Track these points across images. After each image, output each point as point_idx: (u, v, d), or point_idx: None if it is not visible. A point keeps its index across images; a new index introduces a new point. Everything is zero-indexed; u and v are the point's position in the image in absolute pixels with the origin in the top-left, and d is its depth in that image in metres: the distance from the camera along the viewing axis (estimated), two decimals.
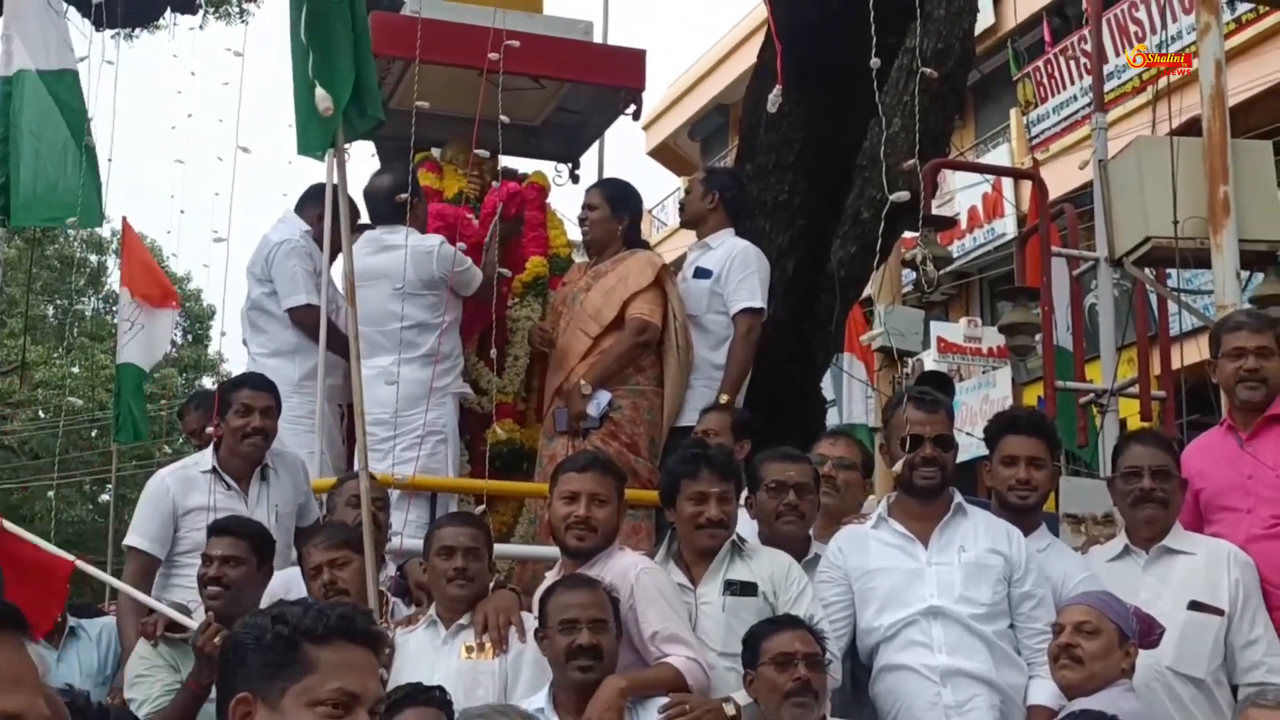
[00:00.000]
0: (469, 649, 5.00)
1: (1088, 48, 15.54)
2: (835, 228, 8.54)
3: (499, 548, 5.88)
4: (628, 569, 4.97)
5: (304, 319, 7.12)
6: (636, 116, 8.30)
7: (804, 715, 4.54)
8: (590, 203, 7.28)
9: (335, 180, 6.05)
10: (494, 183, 7.54)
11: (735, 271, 7.08)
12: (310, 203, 7.38)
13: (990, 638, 4.98)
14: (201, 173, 7.83)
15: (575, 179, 8.45)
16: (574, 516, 5.03)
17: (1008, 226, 21.22)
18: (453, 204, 7.58)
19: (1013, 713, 4.93)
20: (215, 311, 28.70)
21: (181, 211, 9.51)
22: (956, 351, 21.89)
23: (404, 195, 6.98)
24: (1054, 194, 12.45)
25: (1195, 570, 5.16)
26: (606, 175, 8.29)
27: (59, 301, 30.82)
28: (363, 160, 8.67)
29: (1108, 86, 17.23)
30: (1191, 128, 8.05)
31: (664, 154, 31.02)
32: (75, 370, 28.49)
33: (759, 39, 8.44)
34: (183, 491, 6.08)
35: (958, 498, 5.23)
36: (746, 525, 5.40)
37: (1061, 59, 21.06)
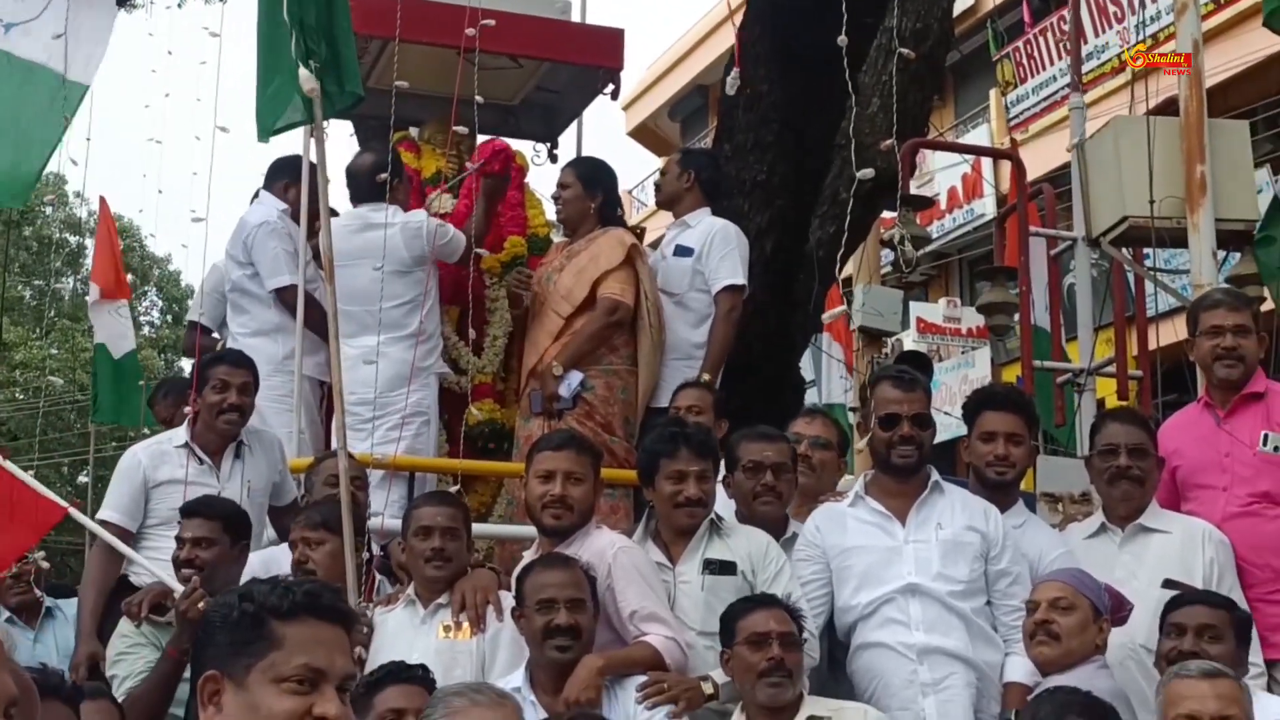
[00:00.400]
0: (446, 628, 5.00)
1: (1068, 28, 15.53)
2: (814, 208, 8.54)
3: (477, 527, 5.88)
4: (605, 548, 4.97)
5: (289, 299, 7.12)
6: (615, 96, 8.30)
7: (779, 694, 4.56)
8: (563, 181, 7.26)
9: (314, 158, 6.01)
10: (470, 165, 7.52)
11: (716, 249, 7.06)
12: (278, 175, 7.38)
13: (967, 615, 5.01)
14: (179, 152, 7.81)
15: (554, 159, 8.44)
16: (550, 495, 5.03)
17: (987, 207, 21.21)
18: (430, 184, 7.56)
19: (989, 690, 4.96)
20: (194, 292, 28.61)
21: (159, 191, 9.49)
22: (936, 332, 21.89)
23: (384, 175, 6.97)
24: (1034, 174, 12.48)
25: (1170, 549, 5.19)
26: (584, 155, 8.28)
27: (36, 283, 30.66)
28: (341, 140, 8.64)
29: (1087, 67, 17.29)
30: (1169, 108, 8.06)
31: (644, 134, 30.93)
32: (55, 352, 28.37)
33: (738, 19, 8.41)
34: (154, 465, 6.07)
35: (935, 475, 5.25)
36: (724, 504, 5.41)
37: (1041, 39, 21.05)
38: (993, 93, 22.21)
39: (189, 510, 5.55)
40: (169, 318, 32.97)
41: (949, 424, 8.03)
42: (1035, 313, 9.44)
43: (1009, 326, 10.18)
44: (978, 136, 22.22)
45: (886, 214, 10.34)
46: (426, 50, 7.31)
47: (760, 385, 7.69)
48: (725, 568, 5.03)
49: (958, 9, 11.55)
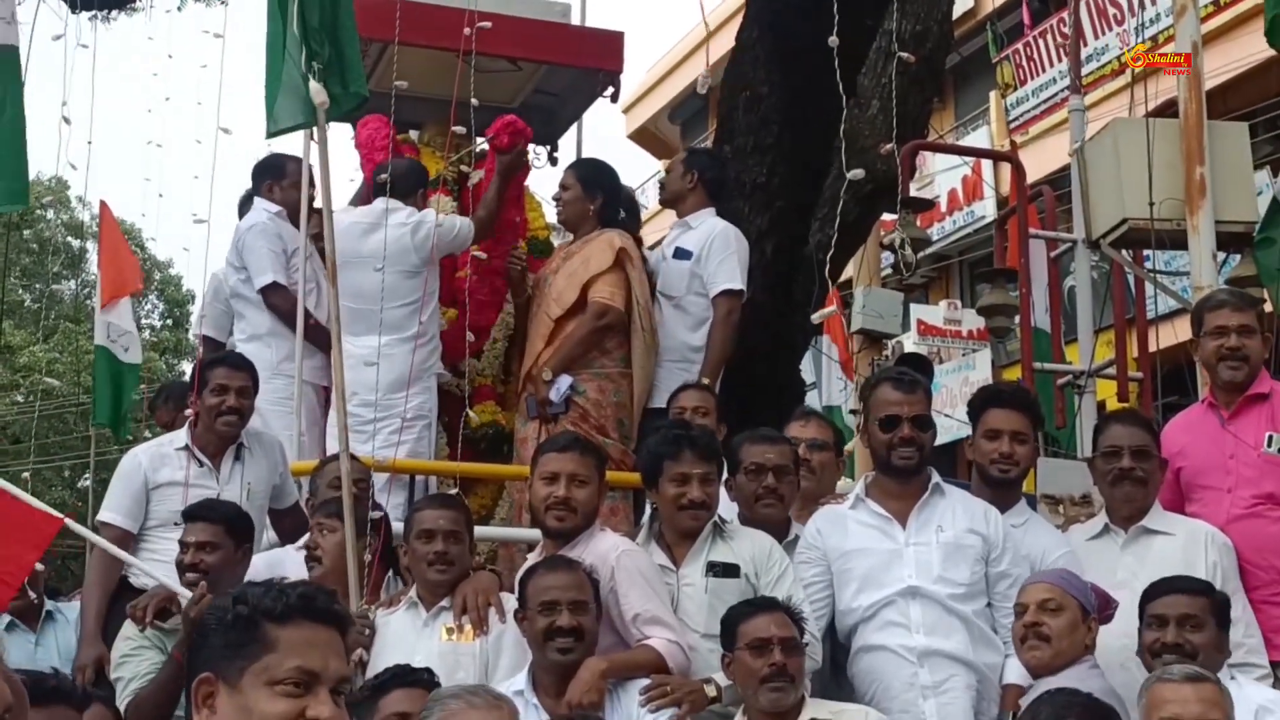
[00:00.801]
0: (450, 631, 5.00)
1: (1068, 30, 15.54)
2: (815, 210, 8.55)
3: (478, 530, 5.88)
4: (608, 551, 4.97)
5: (273, 298, 7.14)
6: (615, 99, 8.30)
7: (780, 700, 4.56)
8: (564, 182, 7.26)
9: (316, 162, 6.03)
10: (466, 168, 7.54)
11: (715, 253, 7.05)
12: (262, 176, 7.44)
13: (968, 617, 5.00)
14: (180, 156, 7.82)
15: (554, 161, 8.45)
16: (554, 497, 5.03)
17: (987, 209, 21.20)
18: (430, 186, 7.57)
19: (989, 692, 4.95)
20: (195, 296, 28.58)
21: (160, 195, 9.50)
22: (936, 334, 21.89)
23: (385, 175, 6.99)
24: (1034, 176, 12.49)
25: (1173, 551, 5.18)
26: (588, 157, 8.28)
27: (38, 286, 30.66)
28: (341, 143, 8.66)
29: (1087, 69, 17.28)
30: (1169, 110, 8.07)
31: (644, 137, 30.93)
32: (58, 355, 28.34)
33: (738, 21, 8.42)
34: (154, 467, 6.08)
35: (935, 478, 5.24)
36: (728, 507, 5.41)
37: (1041, 41, 21.05)
38: (993, 95, 22.21)
39: (191, 515, 5.56)
40: (169, 321, 32.97)
41: (949, 426, 8.05)
42: (1035, 315, 9.45)
43: (1009, 328, 10.19)
44: (978, 139, 22.21)
45: (887, 216, 10.35)
46: (426, 53, 7.32)
47: (761, 388, 7.69)
48: (728, 570, 5.03)
49: (957, 11, 11.58)
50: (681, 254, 7.14)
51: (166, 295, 32.83)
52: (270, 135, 5.59)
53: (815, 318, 6.57)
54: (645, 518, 5.49)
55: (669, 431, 5.38)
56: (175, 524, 5.71)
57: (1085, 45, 17.49)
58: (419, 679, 4.32)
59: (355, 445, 5.76)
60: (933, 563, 5.06)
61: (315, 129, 5.79)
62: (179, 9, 10.92)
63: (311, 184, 7.02)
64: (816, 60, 7.29)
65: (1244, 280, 7.92)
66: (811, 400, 11.96)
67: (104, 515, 6.06)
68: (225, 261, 7.40)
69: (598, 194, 7.16)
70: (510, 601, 4.96)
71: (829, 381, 14.45)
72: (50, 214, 27.68)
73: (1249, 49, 15.52)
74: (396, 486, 6.74)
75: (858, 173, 5.65)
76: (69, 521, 5.55)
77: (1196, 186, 7.61)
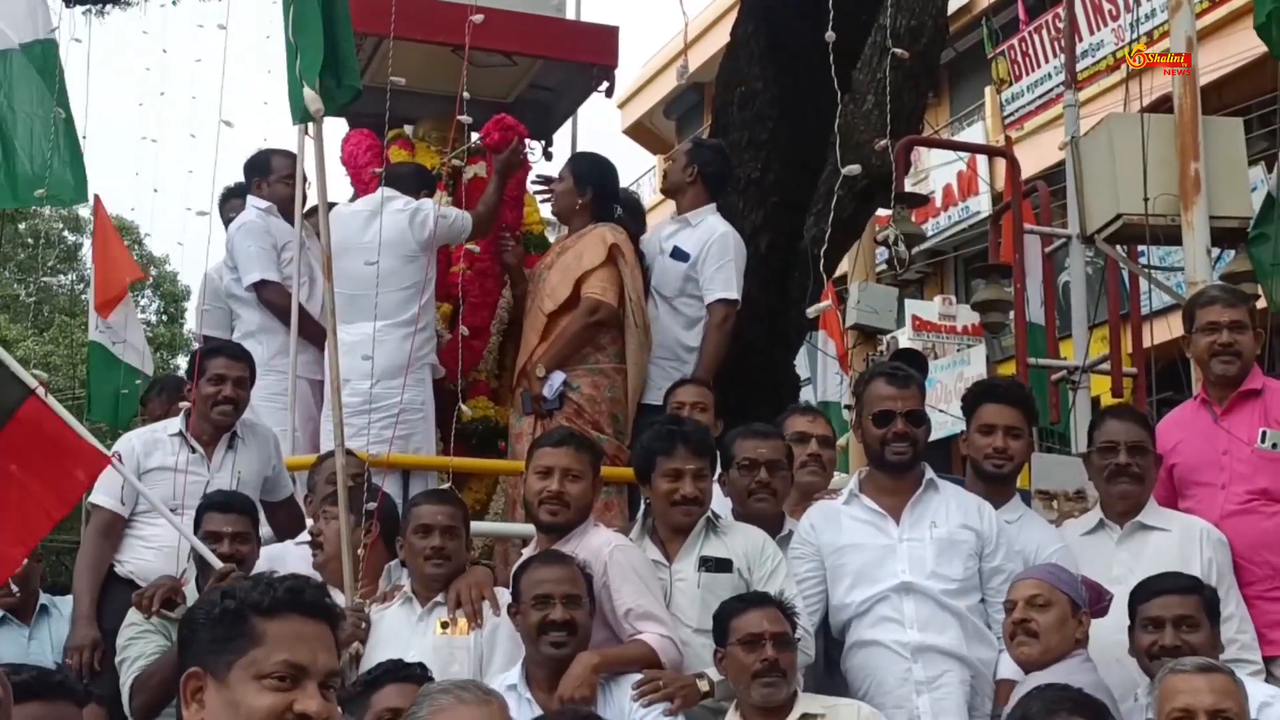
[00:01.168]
0: (444, 625, 5.00)
1: (1063, 25, 15.55)
2: (809, 205, 8.54)
3: (473, 525, 5.87)
4: (602, 546, 4.97)
5: (263, 294, 7.14)
6: (609, 94, 8.30)
7: (772, 695, 4.55)
8: (560, 174, 7.27)
9: (311, 160, 6.02)
10: (459, 163, 7.53)
11: (713, 258, 7.03)
12: (250, 174, 7.48)
13: (962, 613, 5.00)
14: (174, 150, 7.82)
15: (549, 156, 8.43)
16: (547, 491, 5.03)
17: (982, 204, 21.21)
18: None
19: (983, 687, 4.95)
20: (190, 291, 28.60)
21: (155, 190, 9.50)
22: (931, 329, 21.91)
23: (378, 169, 6.99)
24: (1029, 172, 12.47)
25: (1168, 547, 5.19)
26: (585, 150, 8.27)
27: (32, 280, 30.61)
28: (337, 137, 8.65)
29: (1082, 64, 17.29)
30: (1163, 105, 8.07)
31: (639, 132, 30.93)
32: (53, 348, 28.30)
33: (733, 17, 8.42)
34: (145, 452, 6.08)
35: (929, 473, 5.24)
36: (721, 502, 5.41)
37: (1036, 37, 21.07)
38: (988, 90, 22.23)
39: (223, 505, 5.56)
40: (164, 317, 32.93)
41: (944, 422, 8.05)
42: (1030, 310, 9.46)
43: (1004, 324, 10.21)
44: (973, 134, 22.21)
45: (882, 212, 10.35)
46: (421, 48, 7.31)
47: (756, 383, 7.69)
48: (722, 565, 5.03)
49: (952, 6, 11.59)
50: (679, 254, 7.12)
51: (162, 290, 32.79)
52: (296, 120, 5.61)
53: (810, 312, 6.53)
54: (639, 513, 5.49)
55: (662, 427, 5.38)
56: (172, 509, 5.70)
57: (1080, 41, 17.50)
58: (412, 674, 4.31)
59: (350, 439, 5.75)
60: (926, 558, 5.05)
61: (311, 125, 5.77)
62: (173, 3, 10.93)
63: (306, 180, 7.03)
64: (811, 56, 7.28)
65: (1238, 276, 7.93)
66: (806, 395, 11.94)
67: (95, 497, 6.06)
68: (221, 262, 7.42)
69: (587, 188, 7.14)
70: (504, 596, 4.96)
71: (825, 377, 14.43)
72: (46, 210, 27.64)
73: (1244, 44, 15.52)
74: (391, 479, 6.72)
75: (853, 168, 5.64)
76: (115, 464, 5.49)
77: (1191, 182, 7.62)
